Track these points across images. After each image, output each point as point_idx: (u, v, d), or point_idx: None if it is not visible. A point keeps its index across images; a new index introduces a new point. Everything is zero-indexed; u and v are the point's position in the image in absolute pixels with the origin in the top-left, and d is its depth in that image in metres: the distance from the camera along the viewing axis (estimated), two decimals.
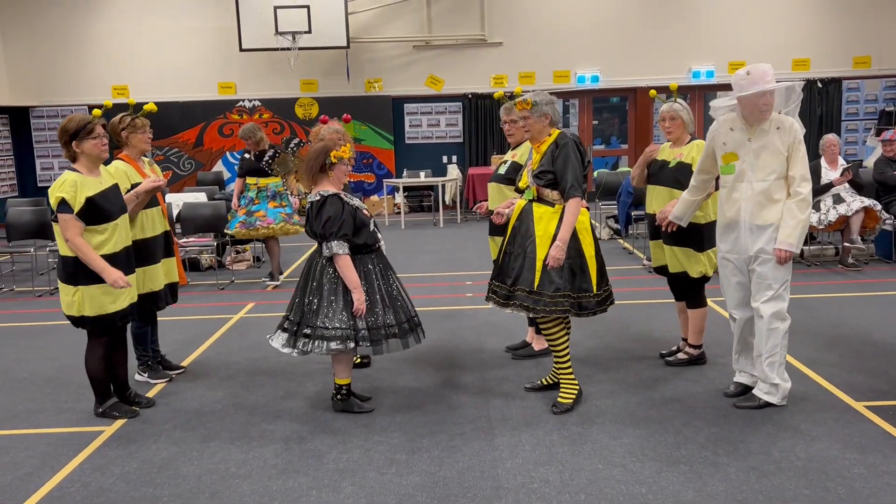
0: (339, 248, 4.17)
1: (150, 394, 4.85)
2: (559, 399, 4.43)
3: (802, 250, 8.48)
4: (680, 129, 4.90)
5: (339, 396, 4.48)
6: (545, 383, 4.71)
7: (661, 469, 3.64)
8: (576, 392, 4.46)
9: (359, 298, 4.18)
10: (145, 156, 5.11)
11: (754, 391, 4.38)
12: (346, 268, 4.19)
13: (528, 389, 4.71)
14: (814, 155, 8.71)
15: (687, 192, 4.62)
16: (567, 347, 4.43)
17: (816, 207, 8.15)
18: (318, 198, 4.25)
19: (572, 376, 4.47)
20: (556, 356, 4.46)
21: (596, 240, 4.40)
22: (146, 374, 5.11)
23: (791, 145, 4.11)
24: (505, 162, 5.27)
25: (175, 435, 4.21)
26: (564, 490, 3.47)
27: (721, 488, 3.44)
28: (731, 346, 4.60)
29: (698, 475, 3.57)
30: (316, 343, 4.20)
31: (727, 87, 4.34)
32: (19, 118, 14.31)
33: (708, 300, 5.08)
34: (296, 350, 4.26)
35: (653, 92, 5.03)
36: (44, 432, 4.31)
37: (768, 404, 4.31)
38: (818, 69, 14.03)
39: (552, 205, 4.30)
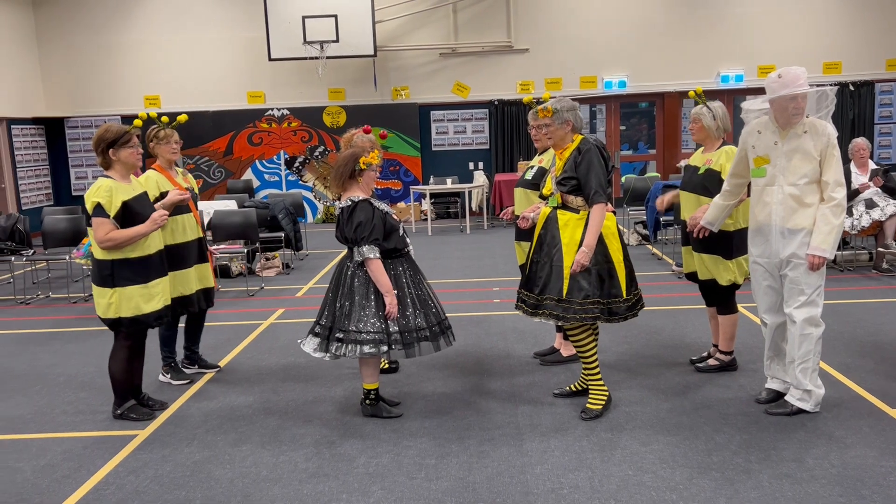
0: (371, 252, 4.21)
1: (183, 398, 4.92)
2: (588, 405, 4.41)
3: (836, 256, 8.37)
4: (701, 132, 4.86)
5: (367, 401, 4.51)
6: (574, 389, 4.69)
7: (693, 476, 3.61)
8: (605, 398, 4.44)
9: (391, 302, 4.21)
10: (178, 165, 5.24)
11: (787, 397, 4.33)
12: (378, 272, 4.23)
13: (557, 395, 4.70)
14: (844, 160, 8.62)
15: (719, 196, 4.57)
16: (595, 353, 4.41)
17: (849, 213, 8.04)
18: (349, 203, 4.29)
19: (601, 382, 4.46)
20: (584, 362, 4.44)
21: (624, 244, 4.38)
22: (168, 376, 5.24)
23: (823, 150, 4.06)
24: (532, 167, 5.28)
25: (207, 438, 4.27)
26: (594, 496, 3.46)
27: (753, 495, 3.41)
28: (762, 352, 4.55)
29: (730, 482, 3.54)
30: (349, 347, 4.24)
31: (757, 91, 4.32)
32: (54, 129, 14.61)
33: (739, 306, 5.03)
34: (328, 354, 4.30)
35: (691, 93, 4.99)
36: (80, 435, 4.39)
37: (801, 411, 4.25)
38: (850, 72, 13.84)
39: (577, 211, 4.29)
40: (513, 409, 4.54)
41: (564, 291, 4.20)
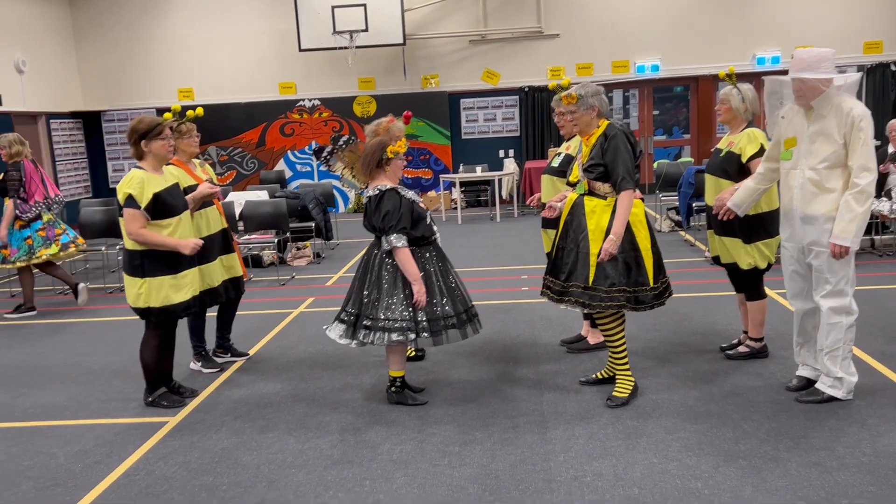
0: (399, 240, 4.23)
1: (213, 386, 4.99)
2: (614, 393, 4.38)
3: (873, 240, 8.18)
4: (728, 113, 4.77)
5: (393, 388, 4.53)
6: (600, 377, 4.66)
7: (719, 464, 3.57)
8: (631, 386, 4.40)
9: (419, 290, 4.22)
10: (197, 157, 5.32)
11: (817, 385, 4.25)
12: (406, 260, 4.24)
13: (583, 383, 4.67)
14: (884, 141, 8.39)
15: (752, 179, 4.46)
16: (623, 341, 4.38)
17: (888, 196, 7.83)
18: (377, 192, 4.31)
19: (628, 370, 4.42)
20: (611, 350, 4.42)
21: (652, 232, 4.32)
22: (199, 364, 5.33)
23: (848, 132, 3.90)
24: (559, 154, 5.23)
25: (235, 425, 4.33)
26: (618, 483, 3.44)
27: (781, 484, 3.35)
28: (792, 339, 4.47)
29: (757, 470, 3.49)
30: (376, 335, 4.26)
31: None
32: (92, 122, 14.89)
33: (769, 291, 4.93)
34: (354, 341, 4.34)
35: (722, 73, 4.89)
36: (113, 422, 4.49)
37: (833, 398, 4.17)
38: (892, 52, 13.46)
39: (604, 198, 4.24)
40: (538, 396, 4.53)
41: (591, 279, 4.17)
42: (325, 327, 4.56)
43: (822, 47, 4.11)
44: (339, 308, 4.50)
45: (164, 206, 4.40)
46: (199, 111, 5.18)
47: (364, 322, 4.31)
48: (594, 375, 4.70)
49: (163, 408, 4.62)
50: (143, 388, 4.74)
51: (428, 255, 4.39)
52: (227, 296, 5.19)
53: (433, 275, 4.35)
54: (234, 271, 5.23)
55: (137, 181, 4.34)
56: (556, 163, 5.20)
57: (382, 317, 4.25)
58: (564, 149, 5.21)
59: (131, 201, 4.31)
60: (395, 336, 4.23)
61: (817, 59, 3.92)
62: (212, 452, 3.99)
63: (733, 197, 4.49)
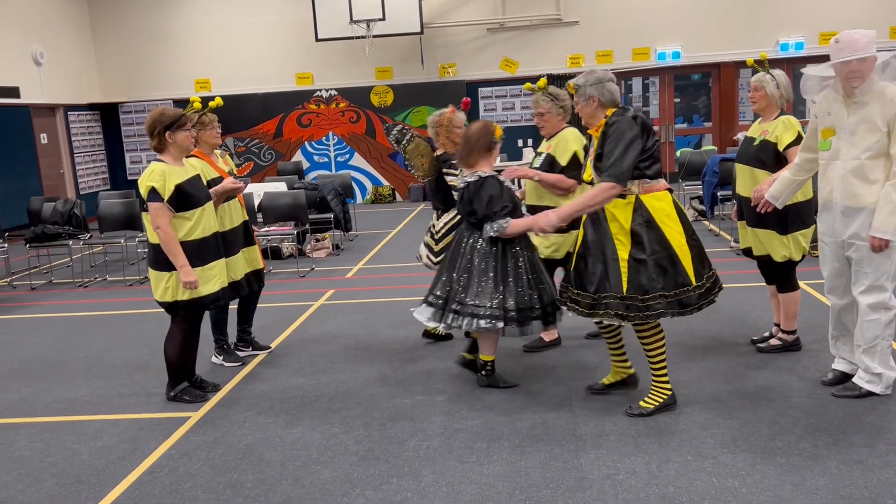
0: (506, 222, 4.21)
1: (235, 380, 4.94)
2: (642, 402, 4.05)
3: None
4: (763, 100, 4.62)
5: (483, 372, 4.54)
6: (608, 383, 4.35)
7: (756, 461, 3.46)
8: (662, 399, 4.04)
9: (548, 221, 4.06)
10: (218, 149, 5.26)
11: (854, 379, 4.12)
12: (517, 225, 4.23)
13: (593, 392, 4.36)
14: None
15: (789, 170, 4.29)
16: (661, 352, 4.00)
17: None
18: (476, 178, 4.28)
19: (667, 382, 4.05)
20: (649, 360, 4.03)
21: (687, 225, 3.89)
22: (221, 358, 5.28)
23: (892, 120, 3.74)
24: (539, 154, 4.93)
25: (259, 421, 4.27)
26: (652, 482, 3.34)
27: (822, 483, 3.25)
28: (827, 332, 4.34)
29: (796, 468, 3.38)
30: (465, 320, 4.24)
31: (818, 60, 4.04)
32: (109, 114, 14.90)
33: (801, 283, 4.81)
34: (443, 324, 4.33)
35: (750, 60, 4.75)
36: (135, 417, 4.45)
37: (871, 393, 4.04)
38: None
39: (623, 196, 3.84)
40: (566, 391, 4.43)
41: (625, 287, 3.79)
42: (411, 309, 4.56)
43: (860, 30, 3.95)
44: (427, 291, 4.47)
45: (186, 197, 4.35)
46: (219, 101, 5.11)
47: (453, 306, 4.29)
48: (601, 382, 4.39)
49: (185, 402, 4.58)
50: (164, 382, 4.69)
51: (518, 247, 4.31)
52: (250, 288, 5.15)
53: (523, 265, 4.29)
54: (256, 263, 5.18)
55: (159, 173, 4.28)
56: (536, 164, 4.87)
57: (471, 302, 4.23)
58: (546, 148, 4.89)
59: (155, 195, 4.25)
60: (483, 322, 4.20)
61: (870, 38, 3.76)
62: (235, 449, 3.93)
63: (770, 189, 4.33)
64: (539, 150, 5.03)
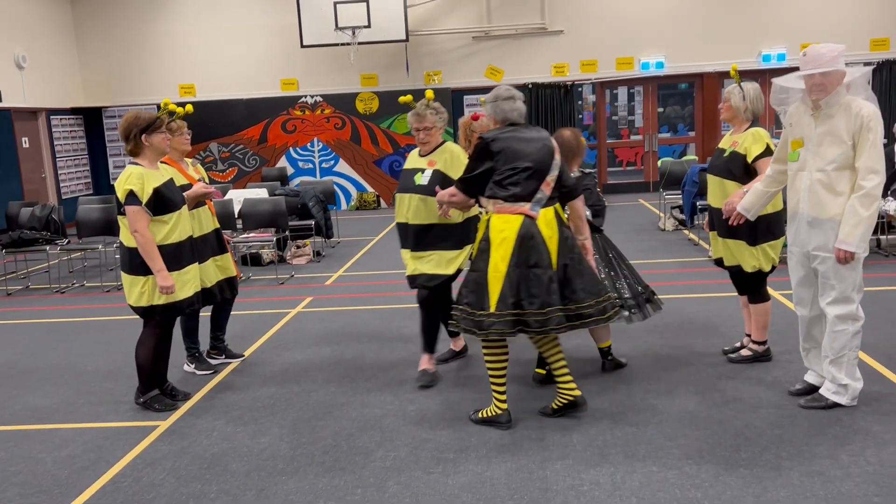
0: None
1: (206, 389, 4.92)
2: (481, 412, 4.16)
3: (879, 240, 8.06)
4: (729, 112, 4.65)
5: (610, 357, 4.91)
6: (556, 407, 4.17)
7: (719, 473, 3.47)
8: (497, 413, 4.09)
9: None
10: (189, 157, 5.25)
11: (821, 391, 4.14)
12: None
13: (544, 414, 4.22)
14: (891, 139, 8.26)
15: (761, 182, 4.33)
16: (496, 368, 4.06)
17: (895, 195, 7.71)
18: (579, 174, 4.65)
19: (501, 399, 4.11)
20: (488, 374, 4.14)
21: (529, 254, 3.80)
22: (193, 366, 5.25)
23: (857, 133, 3.78)
24: (422, 171, 4.67)
25: (227, 430, 4.25)
26: (615, 493, 3.35)
27: (783, 494, 3.26)
28: (798, 343, 4.37)
29: (759, 479, 3.39)
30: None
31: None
32: (93, 118, 14.83)
33: (774, 293, 4.83)
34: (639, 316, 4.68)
35: (733, 70, 4.77)
36: (103, 426, 4.41)
37: (837, 405, 4.07)
38: None
39: (486, 211, 4.01)
40: (535, 401, 4.43)
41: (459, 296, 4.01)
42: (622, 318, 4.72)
43: (824, 44, 3.99)
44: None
45: (164, 201, 4.33)
46: (189, 108, 5.09)
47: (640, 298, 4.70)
48: (551, 406, 4.19)
49: (154, 410, 4.55)
50: (136, 390, 4.66)
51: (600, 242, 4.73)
52: (223, 296, 5.12)
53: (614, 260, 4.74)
54: (228, 271, 5.16)
55: (137, 176, 4.25)
56: (423, 181, 4.60)
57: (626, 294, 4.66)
58: (428, 164, 4.67)
59: (133, 198, 4.23)
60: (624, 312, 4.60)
61: (837, 52, 3.80)
62: (201, 458, 3.91)
63: (742, 201, 4.36)
64: (414, 165, 4.76)
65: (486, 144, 3.92)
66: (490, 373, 4.11)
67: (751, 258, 4.62)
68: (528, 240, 3.84)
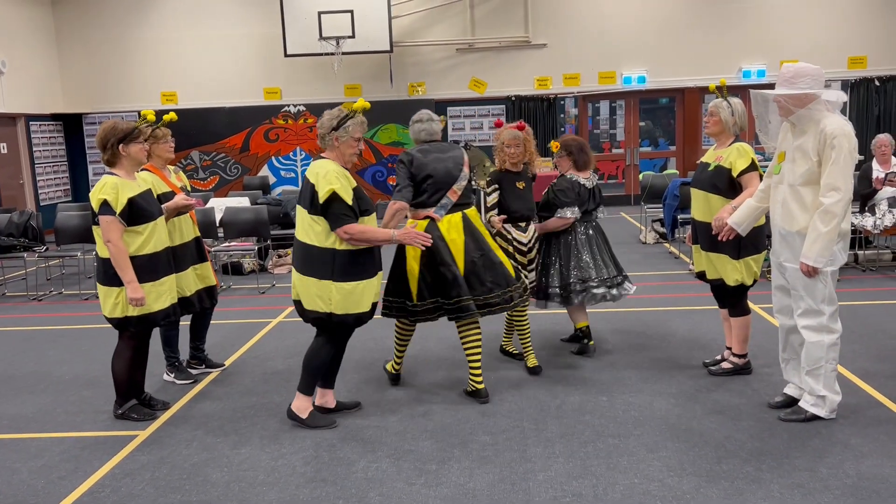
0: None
1: (185, 398, 4.87)
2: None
3: (857, 255, 8.16)
4: (717, 126, 4.70)
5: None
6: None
7: (700, 485, 3.49)
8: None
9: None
10: (171, 165, 5.20)
11: (800, 403, 4.18)
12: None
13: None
14: (868, 156, 8.39)
15: (753, 197, 4.39)
16: (472, 351, 4.63)
17: (871, 211, 7.83)
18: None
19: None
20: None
21: (436, 255, 4.45)
22: (173, 375, 5.20)
23: (821, 150, 3.85)
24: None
25: (206, 440, 4.21)
26: None
27: None
28: (777, 356, 4.41)
29: (739, 492, 3.41)
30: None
31: None
32: (72, 125, 14.69)
33: (754, 307, 4.88)
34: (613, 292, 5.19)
35: (712, 86, 4.85)
36: (80, 435, 4.35)
37: (816, 417, 4.11)
38: (876, 67, 13.53)
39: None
40: (518, 412, 4.44)
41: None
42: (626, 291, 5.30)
43: (806, 62, 4.08)
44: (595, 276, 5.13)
45: (139, 211, 4.29)
46: (173, 116, 5.05)
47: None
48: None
49: (133, 420, 4.49)
50: (113, 399, 4.61)
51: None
52: (202, 305, 5.07)
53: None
54: (208, 280, 5.12)
55: (111, 186, 4.21)
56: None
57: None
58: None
59: (106, 208, 4.19)
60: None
61: (794, 74, 3.92)
62: (181, 469, 3.86)
63: (733, 216, 4.41)
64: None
65: (411, 160, 4.58)
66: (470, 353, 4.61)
67: (734, 272, 4.66)
68: (437, 245, 4.47)
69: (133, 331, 4.39)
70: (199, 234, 5.13)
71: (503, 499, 3.44)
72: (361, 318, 4.20)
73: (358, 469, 3.79)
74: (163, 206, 4.66)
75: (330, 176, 4.02)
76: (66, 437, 4.34)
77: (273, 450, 4.05)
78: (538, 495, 3.45)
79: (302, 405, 4.32)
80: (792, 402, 4.29)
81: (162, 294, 4.40)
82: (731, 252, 4.63)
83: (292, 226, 9.56)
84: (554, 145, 5.33)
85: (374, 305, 4.26)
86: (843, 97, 4.05)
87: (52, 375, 5.49)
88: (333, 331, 4.25)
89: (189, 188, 5.27)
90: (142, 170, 4.84)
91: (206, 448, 4.10)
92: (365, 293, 4.14)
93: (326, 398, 4.51)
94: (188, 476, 3.78)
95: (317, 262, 4.07)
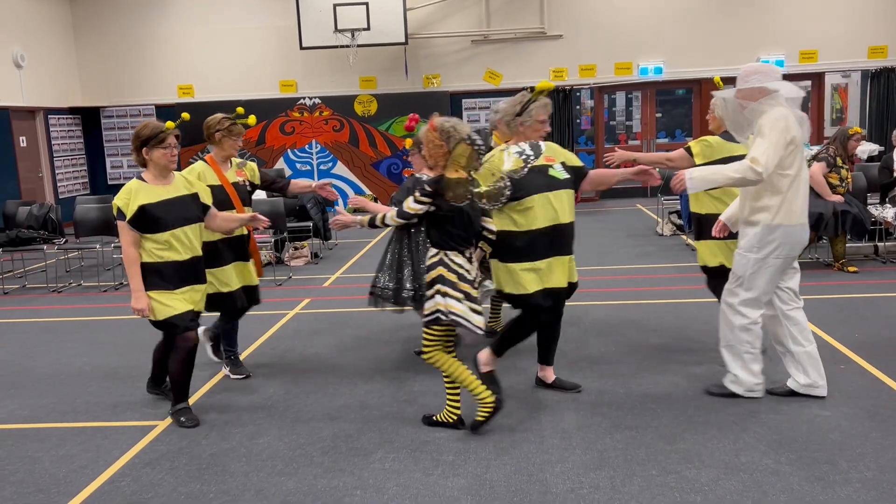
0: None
1: (204, 389, 4.90)
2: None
3: (877, 247, 8.08)
4: (714, 122, 4.82)
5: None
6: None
7: (719, 477, 3.48)
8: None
9: None
10: (240, 157, 5.12)
11: (723, 379, 4.41)
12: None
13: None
14: (888, 147, 8.30)
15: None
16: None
17: (893, 202, 7.74)
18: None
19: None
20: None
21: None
22: (227, 369, 5.16)
23: (755, 139, 4.01)
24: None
25: (225, 431, 4.24)
26: (615, 496, 3.34)
27: (783, 499, 3.26)
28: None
29: (758, 484, 3.39)
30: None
31: (798, 77, 4.19)
32: (90, 118, 14.80)
33: None
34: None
35: (717, 78, 4.84)
36: (100, 426, 4.40)
37: (734, 395, 4.32)
38: None
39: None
40: (535, 404, 4.44)
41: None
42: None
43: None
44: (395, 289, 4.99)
45: (152, 219, 4.15)
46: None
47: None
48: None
49: (178, 424, 4.33)
50: (133, 390, 4.68)
51: None
52: (241, 304, 4.98)
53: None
54: (247, 279, 5.02)
55: (126, 192, 4.18)
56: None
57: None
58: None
59: (119, 214, 4.16)
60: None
61: (745, 72, 4.10)
62: (200, 459, 3.89)
63: (725, 212, 4.51)
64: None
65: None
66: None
67: (710, 255, 4.89)
68: None
69: (168, 332, 4.31)
70: (245, 232, 4.98)
71: (520, 490, 3.44)
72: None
73: (375, 460, 3.80)
74: (227, 216, 4.57)
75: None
76: (87, 427, 4.39)
77: (291, 440, 4.07)
78: (555, 486, 3.45)
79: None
80: (791, 393, 4.34)
81: (179, 302, 4.22)
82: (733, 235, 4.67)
83: (309, 218, 9.62)
84: (408, 142, 5.11)
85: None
86: (801, 92, 4.19)
87: (71, 366, 5.55)
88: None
89: (258, 179, 5.14)
90: (200, 160, 4.84)
91: (225, 438, 4.13)
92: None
93: (546, 372, 4.70)
94: (207, 466, 3.81)
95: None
